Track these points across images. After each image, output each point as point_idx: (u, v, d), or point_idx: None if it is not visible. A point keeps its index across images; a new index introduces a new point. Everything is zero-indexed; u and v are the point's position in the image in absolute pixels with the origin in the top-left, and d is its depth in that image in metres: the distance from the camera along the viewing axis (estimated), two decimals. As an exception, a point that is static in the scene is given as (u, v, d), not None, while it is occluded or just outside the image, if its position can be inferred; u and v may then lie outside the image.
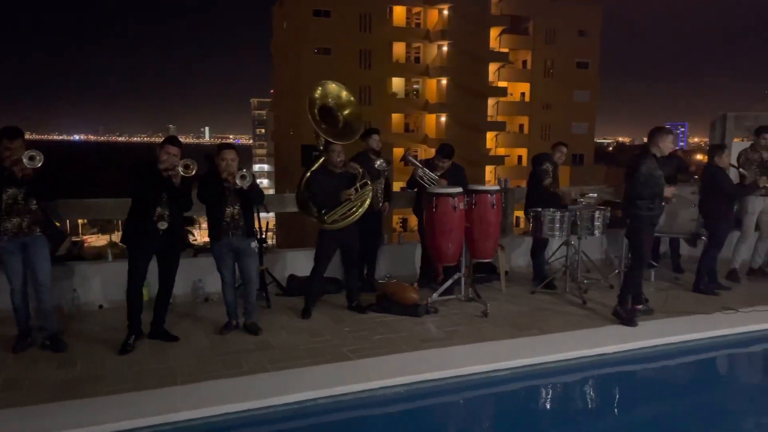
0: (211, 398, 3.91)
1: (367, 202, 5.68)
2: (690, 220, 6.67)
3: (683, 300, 6.24)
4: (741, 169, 6.96)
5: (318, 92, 5.79)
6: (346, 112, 5.88)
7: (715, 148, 6.83)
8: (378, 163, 6.19)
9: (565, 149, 7.00)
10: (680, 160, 7.76)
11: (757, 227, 7.19)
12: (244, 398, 3.92)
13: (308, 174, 5.70)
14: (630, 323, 5.37)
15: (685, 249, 7.64)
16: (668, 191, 5.54)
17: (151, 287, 5.33)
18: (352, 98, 5.94)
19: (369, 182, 5.71)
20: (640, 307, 5.60)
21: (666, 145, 5.42)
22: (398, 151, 37.03)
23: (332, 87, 5.87)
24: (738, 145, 8.27)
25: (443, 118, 40.16)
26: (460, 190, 5.79)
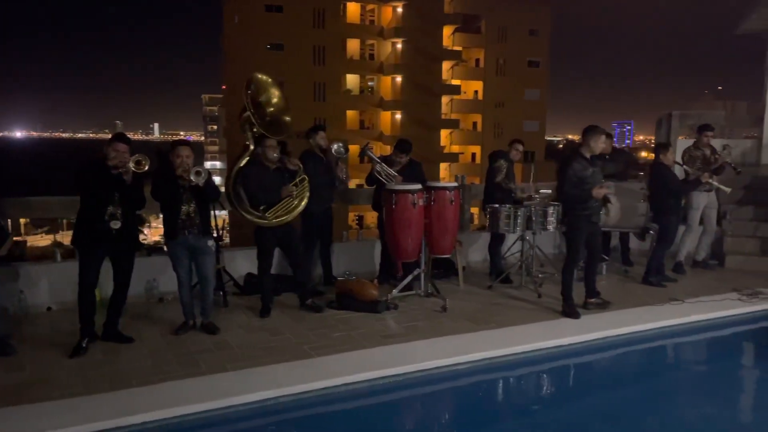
0: (168, 400, 3.83)
1: (306, 199, 5.65)
2: (639, 215, 6.89)
3: (633, 292, 6.45)
4: (685, 167, 7.24)
5: (253, 87, 5.66)
6: (270, 109, 5.73)
7: (661, 146, 7.07)
8: (335, 147, 6.15)
9: (521, 147, 7.07)
10: (629, 155, 8.02)
11: (702, 221, 7.49)
12: (202, 399, 3.85)
13: (238, 169, 5.54)
14: (572, 315, 5.51)
15: (634, 243, 7.89)
16: (598, 192, 5.46)
17: (102, 288, 5.16)
18: (278, 91, 5.80)
19: (306, 178, 5.67)
20: (593, 300, 5.77)
21: (597, 145, 5.53)
22: (354, 148, 36.93)
23: (262, 78, 5.76)
24: (683, 142, 8.60)
25: (398, 116, 40.32)
26: (419, 186, 5.82)
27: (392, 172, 6.18)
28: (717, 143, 7.49)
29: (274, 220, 5.47)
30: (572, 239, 5.69)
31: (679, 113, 9.23)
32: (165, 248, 5.32)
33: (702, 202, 7.30)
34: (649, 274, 6.82)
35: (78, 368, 4.34)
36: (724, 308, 5.93)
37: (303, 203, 5.64)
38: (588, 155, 5.52)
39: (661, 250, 6.83)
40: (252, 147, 5.58)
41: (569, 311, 5.56)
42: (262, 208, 5.43)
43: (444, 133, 42.33)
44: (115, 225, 4.61)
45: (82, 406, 3.74)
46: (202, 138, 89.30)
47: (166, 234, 5.00)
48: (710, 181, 6.93)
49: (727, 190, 7.09)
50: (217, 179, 5.98)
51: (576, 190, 5.44)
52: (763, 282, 6.86)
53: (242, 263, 6.53)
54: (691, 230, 7.42)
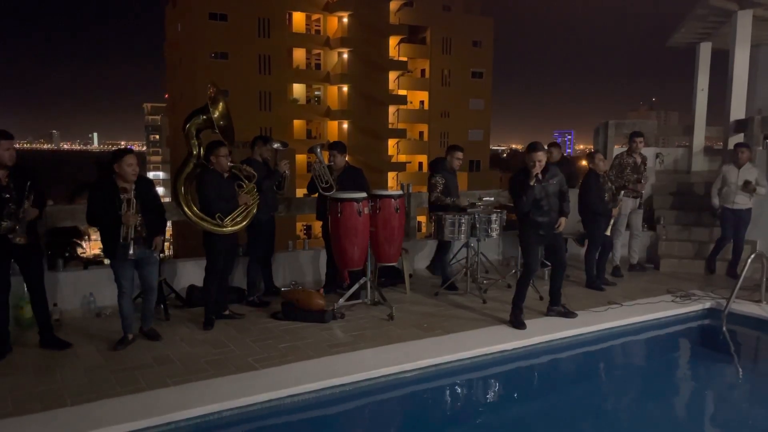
0: (105, 418, 3.67)
1: (255, 206, 5.64)
2: (576, 222, 7.10)
3: (574, 296, 6.61)
4: (610, 173, 7.45)
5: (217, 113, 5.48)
6: (217, 115, 5.46)
7: (589, 155, 7.33)
8: (275, 144, 6.21)
9: (460, 154, 6.88)
10: (569, 164, 8.27)
11: (628, 226, 7.77)
12: (141, 416, 3.71)
13: (189, 175, 5.42)
14: (516, 326, 5.51)
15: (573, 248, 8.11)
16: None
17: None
18: (223, 101, 5.54)
19: (255, 186, 5.66)
20: (555, 308, 5.85)
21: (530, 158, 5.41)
22: (300, 158, 36.82)
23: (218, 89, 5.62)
24: (619, 150, 8.94)
25: (345, 125, 40.34)
26: (364, 195, 5.83)
27: (329, 175, 6.19)
28: (651, 152, 7.81)
29: (229, 227, 5.39)
30: (522, 250, 5.78)
31: (614, 122, 9.58)
32: (105, 261, 5.16)
33: (629, 207, 7.58)
34: (590, 279, 7.03)
35: (6, 389, 4.12)
36: (659, 310, 6.17)
37: (254, 211, 5.64)
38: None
39: (591, 254, 7.04)
40: (195, 152, 5.42)
41: (515, 321, 5.54)
42: (218, 215, 5.34)
43: (391, 143, 42.63)
44: (19, 240, 4.52)
45: (10, 429, 3.54)
46: (144, 148, 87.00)
47: (108, 252, 4.82)
48: (615, 214, 7.06)
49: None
50: (161, 189, 5.80)
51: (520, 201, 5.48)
52: (695, 284, 7.18)
53: (185, 275, 6.37)
54: (619, 235, 7.66)
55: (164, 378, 4.31)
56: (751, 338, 6.10)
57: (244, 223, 5.53)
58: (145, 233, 4.85)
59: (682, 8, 9.58)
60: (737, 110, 8.98)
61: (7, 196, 4.50)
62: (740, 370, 5.51)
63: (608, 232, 7.00)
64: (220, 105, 5.36)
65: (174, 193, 5.53)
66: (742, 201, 7.44)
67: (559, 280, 5.84)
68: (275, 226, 6.44)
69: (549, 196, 5.49)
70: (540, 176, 5.38)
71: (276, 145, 6.25)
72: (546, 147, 6.07)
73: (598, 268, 7.21)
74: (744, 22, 8.61)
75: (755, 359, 5.95)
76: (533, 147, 5.43)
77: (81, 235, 27.77)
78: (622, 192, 7.26)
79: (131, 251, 4.71)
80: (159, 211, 5.08)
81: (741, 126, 8.83)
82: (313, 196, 6.76)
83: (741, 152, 7.47)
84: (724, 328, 5.91)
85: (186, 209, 5.37)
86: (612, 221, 6.99)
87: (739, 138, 8.73)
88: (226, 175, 5.46)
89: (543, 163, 5.40)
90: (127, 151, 4.86)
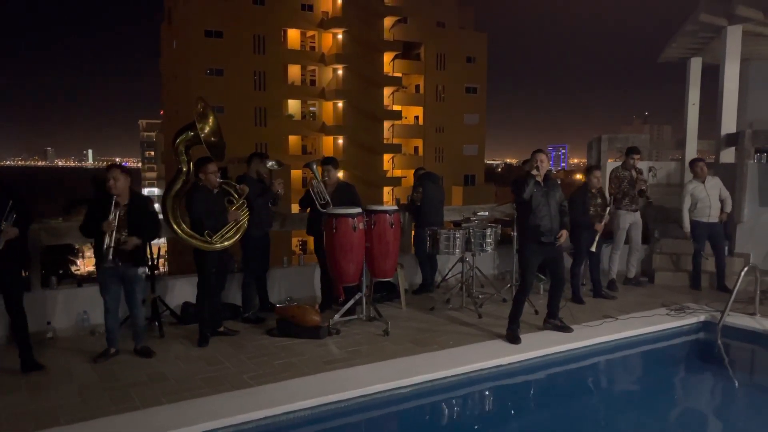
0: (100, 437, 3.65)
1: (246, 221, 5.64)
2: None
3: (569, 310, 6.59)
4: (609, 186, 7.53)
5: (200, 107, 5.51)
6: (207, 132, 5.45)
7: (588, 169, 7.35)
8: (270, 164, 6.20)
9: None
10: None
11: (628, 240, 7.80)
12: (136, 435, 3.69)
13: (178, 192, 5.39)
14: (512, 340, 5.50)
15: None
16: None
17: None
18: (213, 118, 5.51)
19: (245, 202, 5.66)
20: (552, 321, 5.85)
21: (529, 164, 5.63)
22: (296, 173, 36.87)
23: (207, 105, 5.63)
24: (612, 164, 8.99)
25: (341, 141, 40.47)
26: (359, 210, 5.84)
27: (325, 192, 6.21)
28: (644, 165, 7.86)
29: (219, 244, 5.38)
30: (521, 264, 5.79)
31: (607, 137, 9.64)
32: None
33: (628, 221, 7.62)
34: (599, 288, 7.14)
35: (1, 407, 4.08)
36: (654, 323, 6.17)
37: (245, 225, 5.63)
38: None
39: (575, 267, 7.07)
40: (185, 169, 5.43)
41: (510, 336, 5.54)
42: (206, 232, 5.33)
43: (386, 158, 42.74)
44: None
45: (3, 449, 3.52)
46: (140, 164, 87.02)
47: (95, 263, 4.87)
48: (599, 229, 7.02)
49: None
50: (157, 206, 5.81)
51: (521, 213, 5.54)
52: (689, 297, 7.20)
53: (179, 292, 6.35)
54: (618, 248, 7.70)
55: (159, 396, 4.28)
56: (747, 351, 6.11)
57: (234, 239, 5.52)
58: (130, 250, 4.88)
59: (674, 23, 9.70)
60: (728, 124, 9.06)
61: None
62: (737, 383, 5.51)
63: (593, 249, 6.96)
64: (211, 120, 5.35)
65: (164, 210, 5.53)
66: (715, 214, 7.54)
67: (558, 294, 5.84)
68: (270, 242, 6.44)
69: (550, 204, 5.53)
70: (541, 181, 5.49)
71: (270, 164, 6.22)
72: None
73: (593, 282, 7.24)
74: (734, 38, 8.72)
75: (751, 372, 5.96)
76: (537, 150, 5.63)
77: (75, 252, 27.67)
78: (612, 207, 7.26)
79: (110, 257, 4.72)
80: (153, 227, 5.10)
81: (732, 140, 8.90)
82: (305, 211, 6.78)
83: (700, 167, 7.61)
84: (719, 342, 5.92)
85: (175, 226, 5.36)
86: (597, 237, 6.95)
87: (731, 152, 8.80)
88: (215, 191, 5.47)
89: (546, 165, 5.52)
90: (111, 166, 4.96)
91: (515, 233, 6.65)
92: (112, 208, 4.76)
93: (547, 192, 5.54)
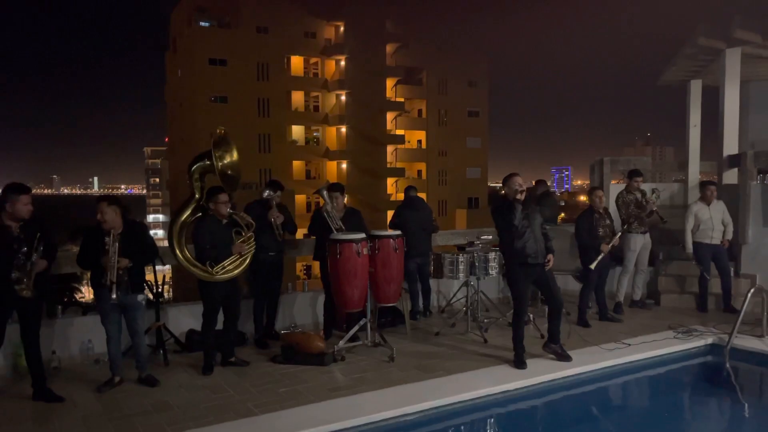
0: (104, 468, 3.62)
1: (251, 255, 5.58)
2: (576, 258, 7.10)
3: (574, 334, 6.55)
4: (620, 210, 7.55)
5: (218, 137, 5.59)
6: (225, 163, 5.53)
7: (590, 191, 7.39)
8: (266, 193, 6.22)
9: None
10: (550, 195, 8.31)
11: (636, 262, 7.77)
12: (140, 465, 3.66)
13: (186, 220, 5.44)
14: (517, 365, 5.45)
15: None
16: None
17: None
18: (235, 151, 5.65)
19: (253, 235, 5.59)
20: (554, 345, 5.78)
21: (510, 190, 5.46)
22: (300, 198, 37.00)
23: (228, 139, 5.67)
24: (615, 186, 9.01)
25: (344, 165, 40.72)
26: (363, 235, 5.85)
27: (338, 218, 6.22)
28: (647, 187, 7.87)
29: (219, 276, 5.35)
30: (511, 289, 5.75)
31: (609, 159, 9.67)
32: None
33: (639, 243, 7.59)
34: (604, 311, 7.14)
35: (4, 439, 4.08)
36: (661, 347, 6.11)
37: (249, 259, 5.57)
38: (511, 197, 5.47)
39: (584, 289, 7.04)
40: (198, 195, 5.46)
41: (516, 362, 5.50)
42: (208, 263, 5.33)
43: (390, 181, 42.92)
44: (25, 293, 4.48)
45: (7, 481, 3.50)
46: (144, 191, 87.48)
47: (94, 296, 4.87)
48: (605, 250, 6.98)
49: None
50: (160, 232, 5.81)
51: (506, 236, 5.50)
52: (696, 319, 7.15)
53: (184, 319, 6.35)
54: (627, 271, 7.67)
55: (163, 425, 4.26)
56: (755, 374, 6.04)
57: (235, 272, 5.43)
58: (128, 278, 4.88)
59: (674, 46, 9.78)
60: (730, 145, 9.08)
61: (17, 247, 4.48)
62: (746, 407, 5.44)
63: (593, 266, 6.88)
64: (234, 154, 5.43)
65: (169, 234, 5.54)
66: (717, 236, 7.57)
67: (556, 318, 5.67)
68: (278, 266, 6.41)
69: (533, 226, 5.49)
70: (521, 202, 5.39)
71: (266, 193, 6.21)
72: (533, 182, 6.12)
73: (599, 305, 7.19)
74: (733, 60, 8.79)
75: (760, 395, 5.88)
76: (513, 174, 5.52)
77: (80, 279, 27.68)
78: (622, 229, 7.27)
79: (113, 295, 4.71)
80: (150, 253, 5.13)
81: (734, 161, 8.92)
82: (311, 237, 6.79)
83: (710, 190, 7.64)
84: (728, 365, 5.86)
85: (178, 252, 5.38)
86: (600, 257, 6.90)
87: (733, 173, 8.81)
88: (224, 221, 5.49)
89: (524, 186, 5.46)
90: (100, 198, 4.93)
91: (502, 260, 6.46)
92: (110, 242, 4.73)
93: (528, 214, 5.49)
